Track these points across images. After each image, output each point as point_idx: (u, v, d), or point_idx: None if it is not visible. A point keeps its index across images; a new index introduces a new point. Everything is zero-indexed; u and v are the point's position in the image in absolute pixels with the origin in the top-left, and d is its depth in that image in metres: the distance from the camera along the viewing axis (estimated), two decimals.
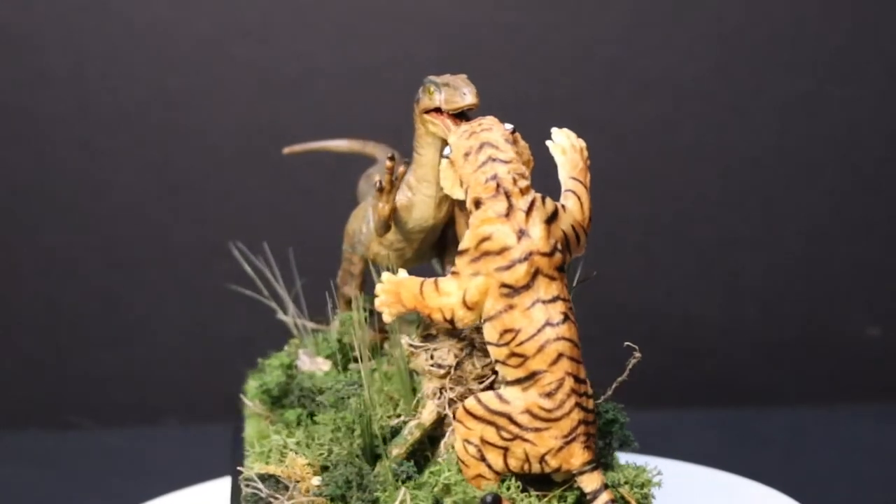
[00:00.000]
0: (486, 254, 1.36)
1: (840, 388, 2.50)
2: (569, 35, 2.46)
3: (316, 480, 1.44)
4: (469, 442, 1.39)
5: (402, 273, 1.45)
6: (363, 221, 1.70)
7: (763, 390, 2.51)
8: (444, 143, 1.56)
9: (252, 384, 1.76)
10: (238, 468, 1.58)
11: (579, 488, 1.40)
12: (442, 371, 1.48)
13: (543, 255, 1.36)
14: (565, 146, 1.46)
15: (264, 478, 1.47)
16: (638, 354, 1.47)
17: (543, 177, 1.57)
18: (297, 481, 1.45)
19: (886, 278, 2.51)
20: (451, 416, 1.48)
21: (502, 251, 1.35)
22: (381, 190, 1.57)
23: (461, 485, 1.36)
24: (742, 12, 2.45)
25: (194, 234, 2.44)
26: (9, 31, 2.43)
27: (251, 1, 2.46)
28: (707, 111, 2.47)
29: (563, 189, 1.45)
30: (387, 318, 1.45)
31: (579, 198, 1.44)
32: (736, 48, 2.45)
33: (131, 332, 2.52)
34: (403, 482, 1.41)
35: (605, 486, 1.38)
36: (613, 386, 1.50)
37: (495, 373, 1.48)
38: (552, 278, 1.37)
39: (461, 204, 1.62)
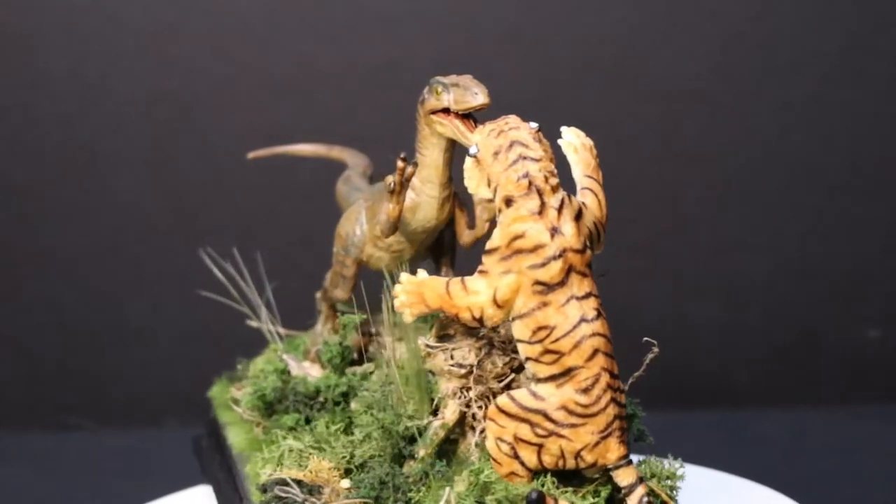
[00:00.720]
0: (519, 251, 1.36)
1: (840, 389, 2.50)
2: (569, 37, 2.46)
3: (345, 483, 1.44)
4: (502, 440, 1.39)
5: (423, 273, 1.45)
6: (356, 223, 1.69)
7: (763, 391, 2.51)
8: (450, 143, 1.56)
9: (245, 391, 1.75)
10: (251, 474, 1.57)
11: (611, 483, 1.41)
12: (463, 370, 1.48)
13: (576, 251, 1.37)
14: (576, 145, 1.47)
15: (286, 482, 1.47)
16: (656, 349, 1.48)
17: None
18: (322, 484, 1.44)
19: (887, 280, 2.51)
20: (472, 415, 1.48)
21: (536, 249, 1.36)
22: (392, 191, 1.57)
23: (501, 482, 1.36)
24: (742, 14, 2.45)
25: (195, 234, 2.42)
26: (8, 32, 2.42)
27: (252, 2, 2.45)
28: (707, 113, 2.47)
29: (579, 187, 1.46)
30: (408, 318, 1.45)
31: (596, 195, 1.45)
32: (736, 50, 2.46)
33: (132, 333, 2.51)
34: (437, 481, 1.41)
35: (640, 480, 1.39)
36: (630, 381, 1.50)
37: (514, 371, 1.49)
38: (584, 275, 1.38)
39: (461, 205, 1.63)
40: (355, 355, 1.75)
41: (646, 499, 1.38)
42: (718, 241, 2.51)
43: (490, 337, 1.49)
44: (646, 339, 1.48)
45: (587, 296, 1.37)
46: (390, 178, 1.55)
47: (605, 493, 1.40)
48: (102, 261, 2.50)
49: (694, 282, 2.52)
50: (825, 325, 2.51)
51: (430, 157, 1.58)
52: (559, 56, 2.46)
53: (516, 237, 1.36)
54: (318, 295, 1.97)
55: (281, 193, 2.45)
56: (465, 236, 1.65)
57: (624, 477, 1.38)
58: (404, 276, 1.46)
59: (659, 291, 2.51)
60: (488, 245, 1.39)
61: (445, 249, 1.72)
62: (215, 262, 1.86)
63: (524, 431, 1.38)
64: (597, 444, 1.37)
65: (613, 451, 1.38)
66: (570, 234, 1.37)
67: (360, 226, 1.69)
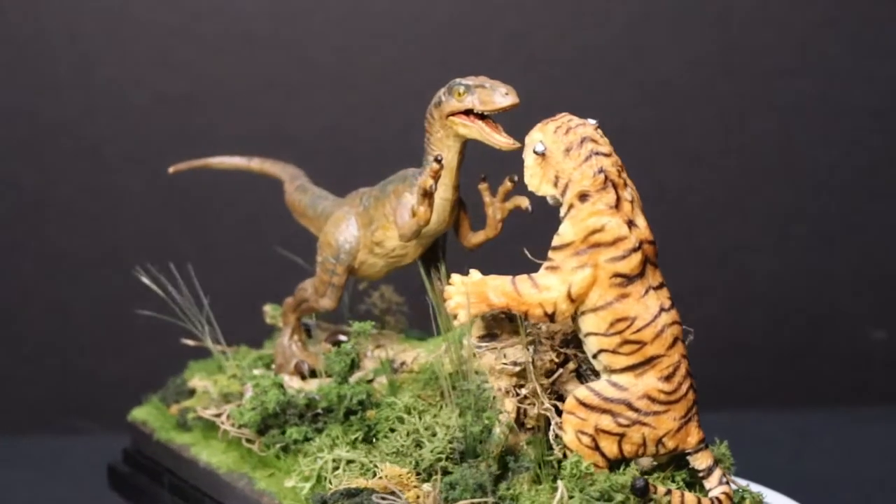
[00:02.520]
0: (597, 245, 1.38)
1: (845, 390, 2.49)
2: (572, 39, 2.46)
3: (427, 486, 1.42)
4: (583, 432, 1.40)
5: (476, 274, 1.45)
6: (347, 231, 1.67)
7: (768, 393, 2.50)
8: (463, 145, 1.57)
9: (232, 408, 1.70)
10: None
11: (685, 468, 1.44)
12: (518, 368, 1.49)
13: (650, 243, 1.40)
14: None
15: (353, 493, 1.43)
16: (692, 337, 1.52)
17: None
18: (398, 490, 1.41)
19: (892, 282, 2.51)
20: (524, 411, 1.48)
21: (616, 242, 1.38)
22: (426, 194, 1.56)
23: (604, 472, 1.37)
24: (746, 17, 2.46)
25: (200, 238, 2.34)
26: (15, 35, 2.41)
27: (257, 5, 2.41)
28: (712, 115, 2.48)
29: None
30: (464, 318, 1.44)
31: (634, 191, 1.48)
32: (741, 52, 2.46)
33: (137, 337, 2.42)
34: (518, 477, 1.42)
35: (716, 462, 1.43)
36: None
37: (559, 366, 1.50)
38: (655, 266, 1.41)
39: (464, 207, 1.63)
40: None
41: (724, 478, 1.42)
42: (722, 243, 2.50)
43: (536, 333, 1.50)
44: (683, 326, 1.51)
45: (661, 286, 1.40)
46: (430, 181, 1.54)
47: (680, 477, 1.44)
48: (108, 264, 2.44)
49: (698, 283, 2.51)
50: (830, 326, 2.51)
51: (445, 159, 1.58)
52: (562, 58, 2.46)
53: (594, 231, 1.38)
54: (267, 309, 1.93)
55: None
56: (472, 238, 1.65)
57: (703, 460, 1.42)
58: (457, 278, 1.45)
59: None
60: (557, 241, 1.39)
61: (440, 254, 1.72)
62: (234, 264, 1.80)
63: (606, 422, 1.39)
64: (679, 429, 1.40)
65: (693, 435, 1.41)
66: (643, 226, 1.40)
67: (352, 233, 1.68)
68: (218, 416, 1.75)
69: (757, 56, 2.48)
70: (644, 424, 1.39)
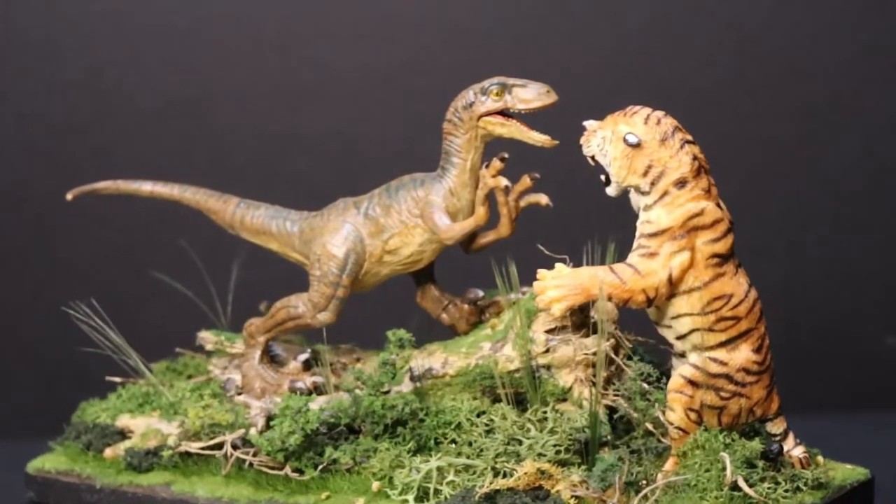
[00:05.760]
0: (695, 229, 1.45)
1: (858, 396, 2.46)
2: (583, 42, 2.42)
3: (576, 477, 1.41)
4: (691, 409, 1.46)
5: (563, 267, 1.47)
6: (352, 242, 1.64)
7: (781, 399, 2.46)
8: (486, 146, 1.59)
9: (257, 436, 1.59)
10: None
11: (754, 435, 1.53)
12: (595, 358, 1.53)
13: (734, 224, 1.49)
14: None
15: (491, 496, 1.41)
16: None
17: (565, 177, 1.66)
18: (536, 487, 1.41)
19: None
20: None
21: (714, 224, 1.45)
22: (488, 196, 1.57)
23: (739, 443, 1.43)
24: (758, 20, 2.46)
25: (205, 241, 2.09)
26: (24, 39, 2.40)
27: (266, 9, 2.37)
28: (723, 118, 2.45)
29: None
30: (558, 311, 1.46)
31: None
32: (752, 55, 2.45)
33: (143, 340, 2.09)
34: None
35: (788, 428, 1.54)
36: None
37: (615, 352, 1.56)
38: (734, 246, 1.50)
39: None
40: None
41: (798, 440, 1.53)
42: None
43: (594, 323, 1.54)
44: None
45: (740, 264, 1.50)
46: (503, 180, 1.55)
47: (759, 441, 1.53)
48: (117, 268, 2.41)
49: None
50: (843, 331, 2.49)
51: (471, 160, 1.60)
52: (573, 61, 2.42)
53: (694, 215, 1.44)
54: (208, 335, 1.83)
55: (296, 199, 2.23)
56: (480, 239, 1.66)
57: (780, 425, 1.53)
58: (546, 272, 1.46)
59: None
60: (652, 228, 1.45)
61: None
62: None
63: (710, 397, 1.46)
64: (766, 398, 1.50)
65: (775, 401, 1.52)
66: (725, 209, 1.49)
67: (358, 242, 1.64)
68: (218, 446, 1.62)
69: (770, 59, 2.47)
70: (742, 396, 1.48)
